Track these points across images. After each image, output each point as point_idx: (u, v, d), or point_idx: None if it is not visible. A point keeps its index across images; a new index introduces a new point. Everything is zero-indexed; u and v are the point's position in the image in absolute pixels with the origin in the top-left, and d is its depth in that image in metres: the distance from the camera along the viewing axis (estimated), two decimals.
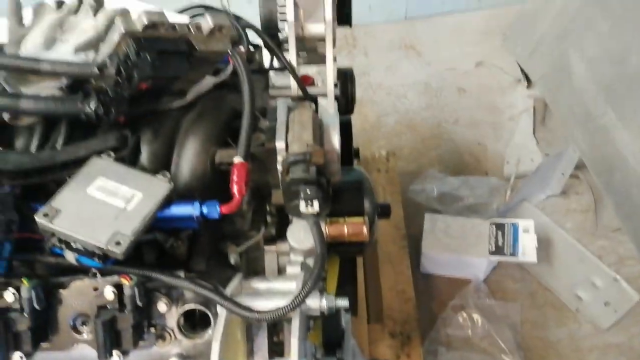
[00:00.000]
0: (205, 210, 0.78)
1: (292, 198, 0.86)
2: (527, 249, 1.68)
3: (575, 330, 1.70)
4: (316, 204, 0.81)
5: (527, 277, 1.82)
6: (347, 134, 1.27)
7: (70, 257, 0.74)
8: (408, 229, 1.83)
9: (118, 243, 0.70)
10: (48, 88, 0.82)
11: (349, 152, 1.27)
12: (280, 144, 0.87)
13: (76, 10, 0.96)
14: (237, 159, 0.81)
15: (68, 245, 0.72)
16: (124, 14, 0.94)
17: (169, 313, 0.78)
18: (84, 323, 0.78)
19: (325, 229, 0.95)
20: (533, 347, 1.67)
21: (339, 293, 1.06)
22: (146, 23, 0.76)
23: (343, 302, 0.79)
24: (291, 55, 1.14)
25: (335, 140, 0.91)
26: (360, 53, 2.67)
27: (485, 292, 1.75)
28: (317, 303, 0.78)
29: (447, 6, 2.77)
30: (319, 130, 0.89)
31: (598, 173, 1.65)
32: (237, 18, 1.21)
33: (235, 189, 0.79)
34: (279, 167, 0.87)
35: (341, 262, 1.18)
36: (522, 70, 2.31)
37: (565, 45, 1.79)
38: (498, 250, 1.70)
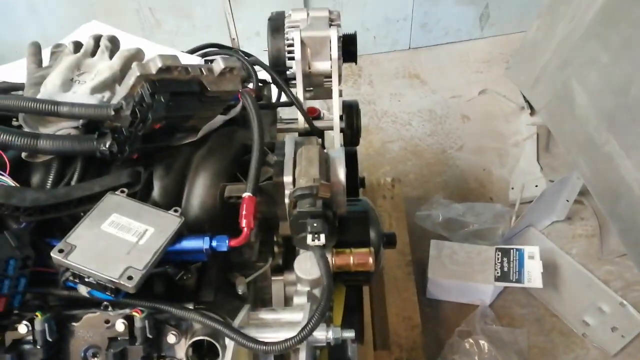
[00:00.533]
0: (214, 244, 0.81)
1: (299, 231, 0.88)
2: (533, 275, 1.68)
3: (583, 356, 1.69)
4: (322, 237, 0.83)
5: (533, 302, 1.82)
6: (353, 165, 1.31)
7: (84, 290, 0.76)
8: (414, 254, 1.84)
9: (130, 277, 0.72)
10: (65, 127, 0.86)
11: (354, 182, 1.30)
12: (287, 179, 0.90)
13: (93, 52, 1.01)
14: (246, 194, 0.84)
15: (82, 280, 0.74)
16: (139, 54, 0.99)
17: (178, 345, 0.80)
18: (95, 355, 0.80)
19: (332, 259, 0.97)
20: None
21: (346, 322, 1.09)
22: (160, 66, 0.79)
23: (349, 334, 0.81)
24: (298, 91, 1.18)
25: (341, 173, 0.94)
26: (366, 82, 2.73)
27: (492, 318, 1.76)
28: (323, 334, 0.79)
29: (450, 36, 2.84)
30: (325, 165, 0.92)
31: (602, 200, 1.66)
32: (247, 55, 1.26)
33: (243, 222, 0.82)
34: (287, 201, 0.90)
35: (347, 290, 1.20)
36: (524, 98, 2.35)
37: (567, 75, 1.82)
38: (504, 276, 1.71)
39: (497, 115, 2.47)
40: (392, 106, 2.56)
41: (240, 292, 0.94)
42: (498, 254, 1.75)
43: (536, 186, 2.06)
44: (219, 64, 0.87)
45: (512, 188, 2.14)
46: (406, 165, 2.30)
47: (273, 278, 1.04)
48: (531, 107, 2.34)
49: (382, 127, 2.48)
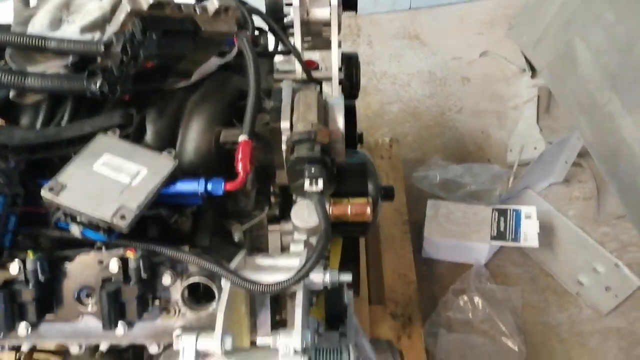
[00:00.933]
0: (210, 187, 0.79)
1: (296, 177, 0.87)
2: (529, 234, 1.68)
3: (576, 314, 1.71)
4: (320, 182, 0.82)
5: (528, 262, 1.83)
6: (351, 118, 1.28)
7: (76, 230, 0.75)
8: (410, 215, 1.83)
9: (123, 217, 0.71)
10: (54, 67, 0.83)
11: (352, 135, 1.28)
12: (285, 124, 0.88)
13: None
14: (242, 137, 0.82)
15: (73, 219, 0.73)
16: None
17: (174, 287, 0.80)
18: (88, 295, 0.79)
19: (329, 209, 0.96)
20: (534, 331, 1.68)
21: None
22: (152, 2, 0.76)
23: (346, 277, 0.80)
24: (296, 39, 1.15)
25: (340, 120, 0.91)
26: (365, 42, 2.67)
27: (487, 277, 1.76)
28: (320, 277, 0.79)
29: None
30: (323, 111, 0.89)
31: (602, 160, 1.65)
32: (243, 3, 1.22)
33: (240, 166, 0.80)
34: (284, 147, 0.88)
35: (344, 243, 1.19)
36: (526, 60, 2.30)
37: (570, 34, 1.78)
38: (500, 236, 1.71)
39: (497, 77, 2.43)
40: (391, 67, 2.52)
41: (236, 239, 0.93)
42: (495, 214, 1.75)
43: (535, 148, 2.05)
44: (213, 3, 0.84)
45: (510, 150, 2.12)
46: (404, 127, 2.27)
47: (269, 227, 1.03)
48: (532, 70, 2.30)
49: (381, 88, 2.44)
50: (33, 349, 1.06)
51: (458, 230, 1.76)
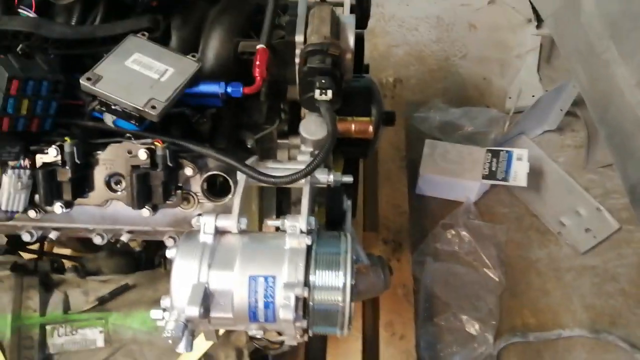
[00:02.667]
0: (229, 89, 0.87)
1: (307, 89, 0.94)
2: (519, 174, 1.78)
3: (556, 251, 1.83)
4: (330, 92, 0.89)
5: (516, 203, 1.94)
6: (360, 47, 1.34)
7: (109, 120, 0.83)
8: (409, 154, 1.92)
9: (154, 107, 0.79)
10: None
11: (360, 62, 1.34)
12: (299, 37, 0.94)
13: None
14: (260, 45, 0.89)
15: (108, 108, 0.81)
16: None
17: (194, 179, 0.89)
18: (117, 183, 0.88)
19: None
20: (515, 264, 1.81)
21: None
22: None
23: (347, 178, 0.90)
24: None
25: (351, 38, 0.98)
26: None
27: (475, 214, 1.87)
28: (325, 176, 0.88)
29: None
30: (336, 27, 0.96)
31: (594, 106, 1.72)
32: None
33: (257, 71, 0.88)
34: (297, 59, 0.95)
35: (345, 165, 1.28)
36: (533, 9, 2.33)
37: None
38: (491, 175, 1.81)
39: (503, 26, 2.46)
40: (400, 10, 2.54)
41: (249, 145, 1.02)
42: (488, 155, 1.84)
43: (533, 96, 2.11)
44: None
45: (510, 97, 2.19)
46: (409, 69, 2.33)
47: (279, 141, 1.11)
48: (538, 20, 2.34)
49: (389, 30, 2.47)
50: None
51: (452, 168, 1.85)
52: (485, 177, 1.81)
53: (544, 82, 2.17)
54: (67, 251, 1.44)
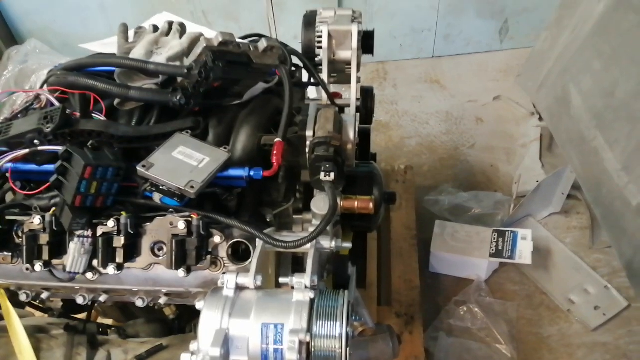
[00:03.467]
0: (252, 173, 1.09)
1: (315, 173, 1.15)
2: (524, 253, 1.90)
3: (566, 328, 1.89)
4: (332, 174, 1.10)
5: (525, 281, 2.03)
6: (366, 139, 1.58)
7: (157, 198, 1.05)
8: (421, 234, 2.08)
9: (192, 187, 1.01)
10: (147, 84, 1.16)
11: (367, 152, 1.57)
12: (309, 133, 1.17)
13: (167, 33, 1.31)
14: (277, 139, 1.12)
15: (157, 188, 1.03)
16: (201, 36, 1.29)
17: (221, 246, 1.08)
18: (160, 249, 1.08)
19: (340, 202, 1.24)
20: (527, 340, 1.87)
21: (351, 262, 1.35)
22: (221, 40, 1.08)
23: (347, 244, 1.07)
24: (324, 74, 1.46)
25: (351, 132, 1.20)
26: (390, 85, 2.99)
27: (486, 292, 1.98)
28: (328, 242, 1.06)
29: (471, 47, 3.08)
30: (339, 125, 1.18)
31: (588, 189, 1.87)
32: (284, 45, 1.55)
33: (274, 159, 1.09)
34: (307, 149, 1.17)
35: (354, 240, 1.46)
36: (534, 104, 2.57)
37: (566, 80, 2.05)
38: (498, 253, 1.93)
39: (508, 119, 2.69)
40: (412, 107, 2.82)
41: (268, 219, 1.22)
42: (494, 235, 1.98)
43: (537, 181, 2.27)
44: (263, 43, 1.16)
45: (516, 183, 2.35)
46: (421, 158, 2.55)
47: (294, 217, 1.31)
48: (539, 113, 2.56)
49: (402, 124, 2.73)
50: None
51: (461, 247, 1.99)
52: (492, 255, 1.94)
53: (546, 168, 2.34)
54: (109, 321, 1.63)
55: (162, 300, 1.22)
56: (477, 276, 2.01)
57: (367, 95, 1.55)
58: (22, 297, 1.23)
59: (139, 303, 1.21)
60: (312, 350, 0.91)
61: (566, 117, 2.03)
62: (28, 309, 1.39)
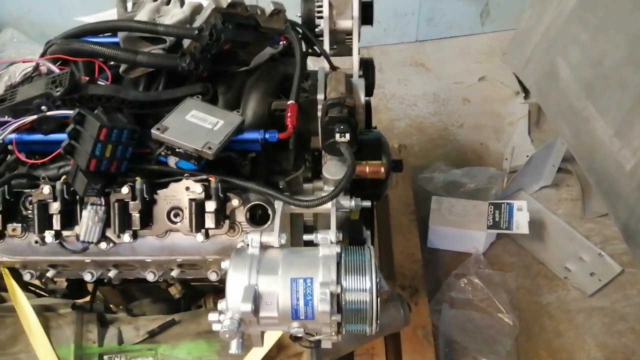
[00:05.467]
0: (267, 135, 1.08)
1: (329, 136, 1.14)
2: (521, 223, 1.93)
3: (565, 295, 1.93)
4: (348, 135, 1.09)
5: (522, 252, 2.07)
6: (368, 110, 1.58)
7: (172, 162, 1.03)
8: (417, 212, 2.09)
9: (210, 148, 0.99)
10: (154, 49, 1.13)
11: (369, 124, 1.57)
12: (320, 96, 1.16)
13: (167, 2, 1.29)
14: (290, 102, 1.11)
15: (173, 152, 1.01)
16: (202, 6, 1.27)
17: (239, 210, 1.06)
18: (176, 215, 1.06)
19: None
20: (527, 309, 1.90)
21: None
22: (229, 2, 1.07)
23: (366, 203, 1.07)
24: (325, 44, 1.45)
25: (361, 96, 1.20)
26: (376, 69, 2.97)
27: (485, 264, 2.00)
28: (347, 202, 1.06)
29: (453, 30, 3.12)
30: (350, 87, 1.18)
31: (581, 158, 1.92)
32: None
33: (288, 120, 1.08)
34: (319, 113, 1.16)
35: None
36: (520, 83, 2.62)
37: (553, 54, 2.09)
38: (495, 225, 1.96)
39: (495, 98, 2.74)
40: (399, 89, 2.84)
41: (280, 186, 1.20)
42: (491, 207, 2.01)
43: (527, 156, 2.31)
44: (269, 6, 1.15)
45: (506, 159, 2.40)
46: (411, 139, 2.57)
47: (304, 185, 1.30)
48: (525, 92, 2.62)
49: (390, 107, 2.75)
50: None
51: (458, 220, 2.01)
52: (490, 227, 1.96)
53: (535, 143, 2.39)
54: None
55: (175, 273, 1.19)
56: (475, 249, 2.03)
57: (368, 67, 1.55)
58: (26, 277, 1.19)
59: (150, 277, 1.19)
60: (344, 304, 0.90)
61: (555, 90, 2.07)
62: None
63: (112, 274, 1.19)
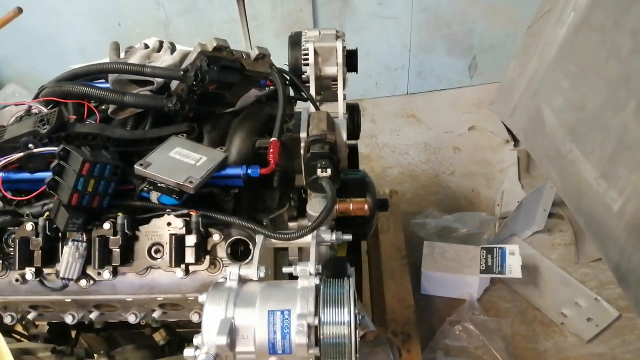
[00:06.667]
0: (249, 170, 1.09)
1: (311, 173, 1.15)
2: (514, 267, 1.92)
3: (562, 342, 1.88)
4: (329, 170, 1.11)
5: (517, 298, 2.03)
6: (354, 154, 1.61)
7: (154, 197, 1.04)
8: (410, 257, 2.07)
9: (191, 182, 1.00)
10: (142, 90, 1.17)
11: (356, 167, 1.60)
12: (303, 134, 1.19)
13: (158, 50, 1.35)
14: (273, 139, 1.13)
15: (155, 186, 1.02)
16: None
17: (220, 245, 1.06)
18: (157, 251, 1.06)
19: (336, 206, 1.25)
20: (524, 356, 1.85)
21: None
22: (215, 45, 1.12)
23: (347, 236, 1.07)
24: (311, 89, 1.50)
25: (343, 134, 1.23)
26: (368, 120, 3.07)
27: (479, 310, 1.96)
28: (328, 235, 1.06)
29: (443, 83, 3.22)
30: (332, 125, 1.21)
31: (570, 200, 1.92)
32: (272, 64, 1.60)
33: (270, 156, 1.11)
34: (302, 151, 1.19)
35: (349, 247, 1.45)
36: (508, 131, 2.67)
37: (537, 101, 2.15)
38: (488, 269, 1.94)
39: (484, 147, 2.78)
40: (391, 139, 2.89)
41: (264, 223, 1.21)
42: (483, 252, 2.00)
43: (518, 202, 2.33)
44: (254, 51, 1.20)
45: (498, 205, 2.40)
46: (404, 186, 2.59)
47: (289, 224, 1.30)
48: (514, 140, 2.66)
49: (383, 155, 2.79)
50: None
51: (451, 265, 1.99)
52: (482, 271, 1.94)
53: (526, 189, 2.41)
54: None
55: (157, 314, 1.17)
56: (469, 295, 2.00)
57: (353, 111, 1.59)
58: (7, 319, 1.18)
59: (132, 319, 1.17)
60: (321, 337, 0.89)
61: (541, 136, 2.11)
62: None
63: (93, 315, 1.18)
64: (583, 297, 2.01)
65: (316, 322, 0.87)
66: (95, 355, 1.38)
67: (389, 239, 2.03)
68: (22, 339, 1.33)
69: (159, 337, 1.45)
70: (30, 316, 1.18)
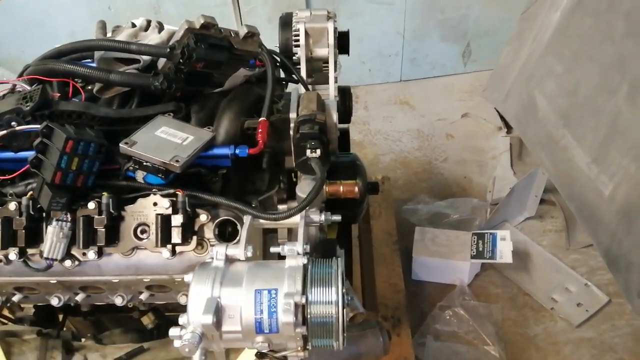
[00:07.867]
0: (237, 150, 1.08)
1: (301, 153, 1.14)
2: (504, 252, 1.91)
3: (552, 327, 1.89)
4: (318, 151, 1.10)
5: (507, 283, 2.04)
6: (346, 138, 1.59)
7: (140, 176, 1.02)
8: (401, 243, 2.07)
9: (177, 161, 0.99)
10: (129, 69, 1.15)
11: (347, 147, 1.58)
12: (293, 114, 1.17)
13: (146, 29, 1.32)
14: (262, 118, 1.12)
15: (140, 165, 1.01)
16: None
17: (207, 226, 1.05)
18: (143, 232, 1.04)
19: (325, 188, 1.23)
20: (514, 341, 1.85)
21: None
22: (203, 22, 1.10)
23: (336, 217, 1.06)
24: (302, 71, 1.48)
25: (334, 115, 1.21)
26: (361, 107, 3.05)
27: (470, 295, 1.97)
28: (317, 216, 1.05)
29: (436, 70, 3.20)
30: (322, 106, 1.19)
31: (561, 186, 1.92)
32: (261, 45, 1.58)
33: (259, 136, 1.09)
34: (292, 131, 1.17)
35: (339, 230, 1.44)
36: (501, 118, 2.66)
37: (530, 87, 2.14)
38: (479, 255, 1.94)
39: (477, 134, 2.77)
40: (384, 126, 2.88)
41: (253, 205, 1.19)
42: (474, 237, 1.99)
43: (510, 188, 2.32)
44: (243, 29, 1.18)
45: (490, 191, 2.40)
46: (396, 173, 2.58)
47: (279, 206, 1.29)
48: (507, 127, 2.65)
49: (375, 142, 2.78)
50: None
51: (442, 250, 1.99)
52: (473, 257, 1.94)
53: (517, 176, 2.40)
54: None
55: (144, 296, 1.16)
56: (459, 280, 2.00)
57: (344, 94, 1.57)
58: None
59: (118, 301, 1.16)
60: (309, 317, 0.88)
61: (534, 122, 2.10)
62: None
63: (79, 297, 1.16)
64: (573, 282, 2.01)
65: (303, 300, 0.86)
66: (83, 339, 1.36)
67: (380, 224, 2.02)
68: (7, 322, 1.32)
69: (148, 320, 1.44)
70: (15, 298, 1.17)
